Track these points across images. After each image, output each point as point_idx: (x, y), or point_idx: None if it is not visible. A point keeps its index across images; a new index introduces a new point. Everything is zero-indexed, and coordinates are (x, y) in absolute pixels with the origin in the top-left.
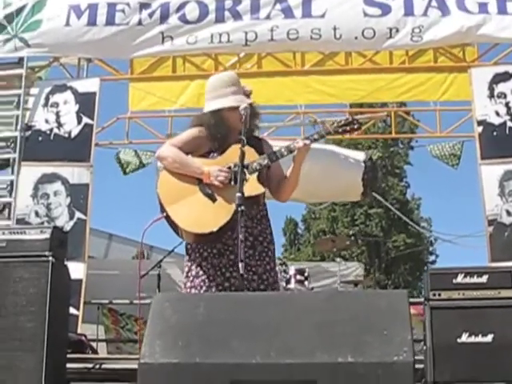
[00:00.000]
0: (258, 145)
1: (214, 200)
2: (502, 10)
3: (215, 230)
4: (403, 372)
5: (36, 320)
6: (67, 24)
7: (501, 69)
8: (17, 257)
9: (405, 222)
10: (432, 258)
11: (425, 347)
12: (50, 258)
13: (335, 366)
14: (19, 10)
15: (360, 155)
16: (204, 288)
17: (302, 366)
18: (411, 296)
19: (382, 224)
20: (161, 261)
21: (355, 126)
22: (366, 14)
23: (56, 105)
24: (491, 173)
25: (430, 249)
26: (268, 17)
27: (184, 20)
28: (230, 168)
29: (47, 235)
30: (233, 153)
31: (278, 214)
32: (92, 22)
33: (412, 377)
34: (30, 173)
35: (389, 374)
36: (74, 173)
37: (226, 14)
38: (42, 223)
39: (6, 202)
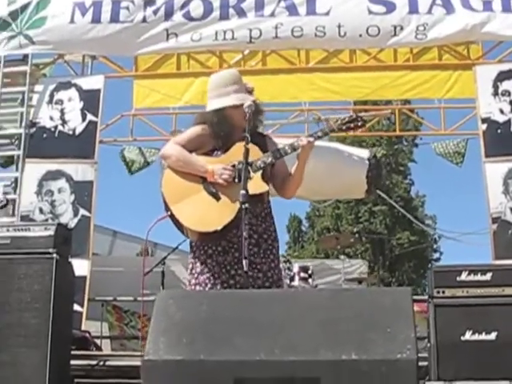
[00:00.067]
0: (262, 141)
1: (218, 198)
2: (507, 8)
3: (219, 228)
4: (407, 369)
5: (40, 317)
6: (72, 21)
7: (505, 66)
8: (21, 254)
9: (409, 219)
10: (436, 255)
11: (429, 345)
12: (55, 255)
13: (339, 363)
14: (24, 7)
15: (364, 153)
16: (209, 285)
17: (305, 363)
18: (415, 293)
19: (386, 221)
20: (165, 258)
21: (359, 123)
22: (370, 12)
23: (60, 102)
24: (495, 170)
25: (434, 246)
26: (272, 14)
27: (188, 17)
28: (233, 166)
29: (51, 232)
30: (237, 151)
31: (282, 212)
32: (96, 19)
33: (415, 374)
34: (35, 170)
35: (392, 371)
36: (79, 170)
37: (231, 11)
38: (47, 220)
39: (11, 199)
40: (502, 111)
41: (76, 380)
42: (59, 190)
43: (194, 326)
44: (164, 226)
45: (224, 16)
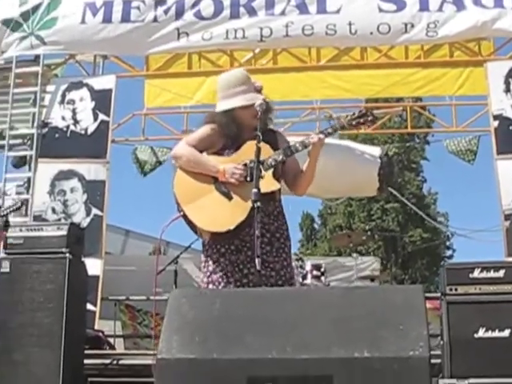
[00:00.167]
0: (273, 138)
1: (230, 198)
2: None
3: (232, 228)
4: (419, 367)
5: (53, 316)
6: (83, 21)
7: None
8: (34, 253)
9: (421, 216)
10: (449, 252)
11: (442, 342)
12: (67, 255)
13: (351, 361)
14: (35, 8)
15: (376, 150)
16: (222, 284)
17: (318, 361)
18: (428, 291)
19: (399, 219)
20: (177, 257)
21: (369, 118)
22: (381, 10)
23: (72, 102)
24: (507, 167)
25: (447, 243)
26: (283, 13)
27: (199, 16)
28: (245, 165)
29: (64, 232)
30: (247, 149)
31: (294, 210)
32: (107, 20)
33: (428, 371)
34: (47, 170)
35: (405, 368)
36: (91, 169)
37: (241, 9)
38: (59, 220)
39: (24, 199)
40: None
41: (90, 379)
42: (72, 190)
43: (207, 325)
44: (176, 225)
45: (235, 15)
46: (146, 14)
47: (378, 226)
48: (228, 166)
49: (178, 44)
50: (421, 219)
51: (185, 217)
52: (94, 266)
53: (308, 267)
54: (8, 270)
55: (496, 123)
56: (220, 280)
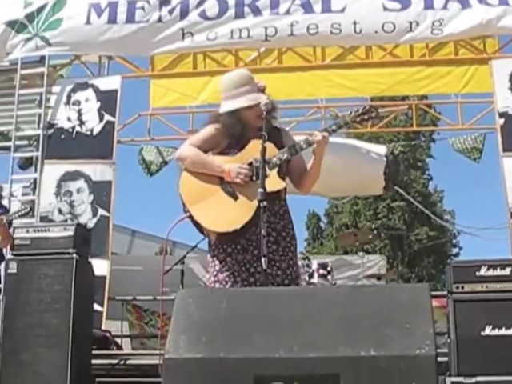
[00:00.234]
0: (278, 136)
1: (235, 198)
2: None
3: (239, 227)
4: (426, 365)
5: (61, 317)
6: (88, 22)
7: None
8: (41, 254)
9: (427, 214)
10: (455, 250)
11: (449, 340)
12: (74, 255)
13: (358, 359)
14: (40, 9)
15: (381, 149)
16: (229, 283)
17: (324, 359)
18: (435, 289)
19: (405, 217)
20: (184, 256)
21: (373, 114)
22: (385, 9)
23: (78, 103)
24: None
25: (453, 241)
26: (288, 12)
27: (204, 16)
28: (250, 164)
29: (71, 232)
30: (252, 148)
31: (300, 209)
32: (112, 20)
33: (435, 370)
34: (53, 171)
35: (411, 367)
36: (97, 170)
37: (246, 9)
38: (66, 220)
39: (30, 200)
40: None
41: (97, 379)
42: (78, 191)
43: (214, 324)
44: (182, 225)
45: (239, 14)
46: (151, 14)
47: (384, 224)
48: (233, 165)
49: (183, 44)
50: (427, 217)
51: (191, 217)
52: (100, 267)
53: (314, 266)
54: (15, 271)
55: (502, 121)
56: (227, 279)
